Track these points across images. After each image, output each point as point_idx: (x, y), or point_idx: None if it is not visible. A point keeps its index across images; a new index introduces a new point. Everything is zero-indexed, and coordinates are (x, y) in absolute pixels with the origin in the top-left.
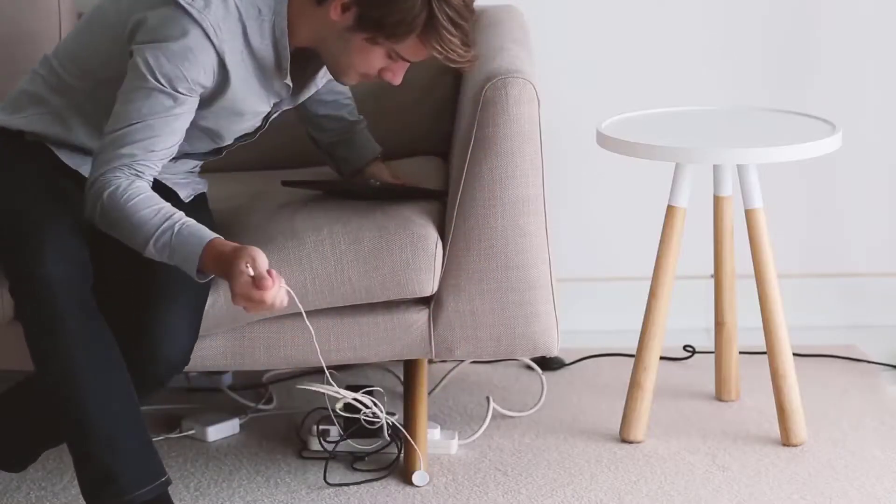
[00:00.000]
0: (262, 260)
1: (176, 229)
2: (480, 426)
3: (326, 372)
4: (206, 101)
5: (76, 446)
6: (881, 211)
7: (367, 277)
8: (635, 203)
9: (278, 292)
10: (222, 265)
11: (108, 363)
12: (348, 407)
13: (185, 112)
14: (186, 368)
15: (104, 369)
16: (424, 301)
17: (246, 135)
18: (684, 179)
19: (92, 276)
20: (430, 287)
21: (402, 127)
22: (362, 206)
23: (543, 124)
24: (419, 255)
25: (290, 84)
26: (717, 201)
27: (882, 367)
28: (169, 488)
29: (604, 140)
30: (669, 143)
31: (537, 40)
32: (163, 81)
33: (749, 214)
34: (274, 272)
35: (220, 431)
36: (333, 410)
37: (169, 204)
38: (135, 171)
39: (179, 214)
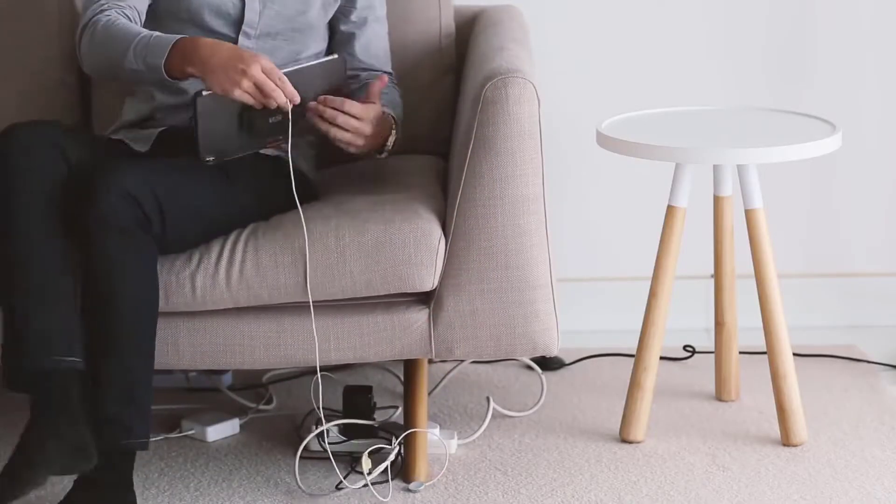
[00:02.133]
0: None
1: (157, 33)
2: (480, 426)
3: (319, 377)
4: None
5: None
6: (881, 211)
7: (368, 270)
8: (635, 203)
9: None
10: (202, 47)
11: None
12: (348, 402)
13: None
14: (186, 367)
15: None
16: (424, 300)
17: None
18: (684, 179)
19: (62, 164)
20: (430, 282)
21: (403, 126)
22: (368, 198)
23: (544, 124)
24: (422, 250)
25: None
26: (717, 201)
27: (882, 367)
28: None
29: (604, 140)
30: (669, 143)
31: (537, 40)
32: None
33: (749, 214)
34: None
35: (220, 431)
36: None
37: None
38: (120, 11)
39: None
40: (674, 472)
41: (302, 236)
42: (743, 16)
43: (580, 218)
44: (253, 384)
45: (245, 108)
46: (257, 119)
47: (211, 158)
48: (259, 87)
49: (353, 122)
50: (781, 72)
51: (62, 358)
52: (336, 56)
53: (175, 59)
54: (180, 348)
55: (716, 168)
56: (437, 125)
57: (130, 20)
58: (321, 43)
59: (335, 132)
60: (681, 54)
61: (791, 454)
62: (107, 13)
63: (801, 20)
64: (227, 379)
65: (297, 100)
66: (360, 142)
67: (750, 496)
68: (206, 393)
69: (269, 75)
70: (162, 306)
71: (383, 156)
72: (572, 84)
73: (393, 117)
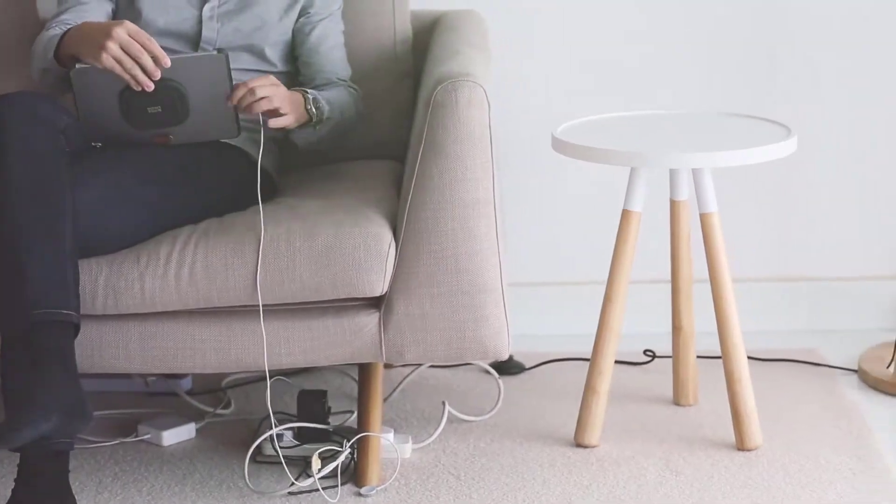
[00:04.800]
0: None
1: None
2: (436, 430)
3: (268, 381)
4: None
5: None
6: (841, 215)
7: (318, 275)
8: (593, 207)
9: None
10: (83, 26)
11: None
12: (302, 406)
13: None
14: (137, 371)
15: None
16: (375, 304)
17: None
18: (639, 183)
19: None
20: (380, 287)
21: (362, 131)
22: (322, 202)
23: (501, 128)
24: (371, 255)
25: None
26: (674, 205)
27: (841, 371)
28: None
29: (559, 144)
30: (624, 147)
31: (498, 45)
32: None
33: (704, 218)
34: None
35: (176, 436)
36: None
37: None
38: (63, 26)
39: None
40: (626, 476)
41: (252, 239)
42: (701, 20)
43: (538, 222)
44: (212, 389)
45: (125, 91)
46: (136, 105)
47: (98, 144)
48: (125, 49)
49: (266, 87)
50: (737, 76)
51: (58, 310)
52: (216, 53)
53: (63, 47)
54: (131, 352)
55: (672, 172)
56: (395, 130)
57: None
58: (283, 56)
59: (258, 106)
60: (637, 60)
61: (745, 458)
62: (49, 30)
63: (758, 23)
64: (186, 383)
65: (167, 62)
66: (282, 105)
67: (701, 500)
68: (165, 398)
69: (135, 37)
70: (112, 309)
71: (319, 129)
72: (531, 89)
73: (303, 92)
